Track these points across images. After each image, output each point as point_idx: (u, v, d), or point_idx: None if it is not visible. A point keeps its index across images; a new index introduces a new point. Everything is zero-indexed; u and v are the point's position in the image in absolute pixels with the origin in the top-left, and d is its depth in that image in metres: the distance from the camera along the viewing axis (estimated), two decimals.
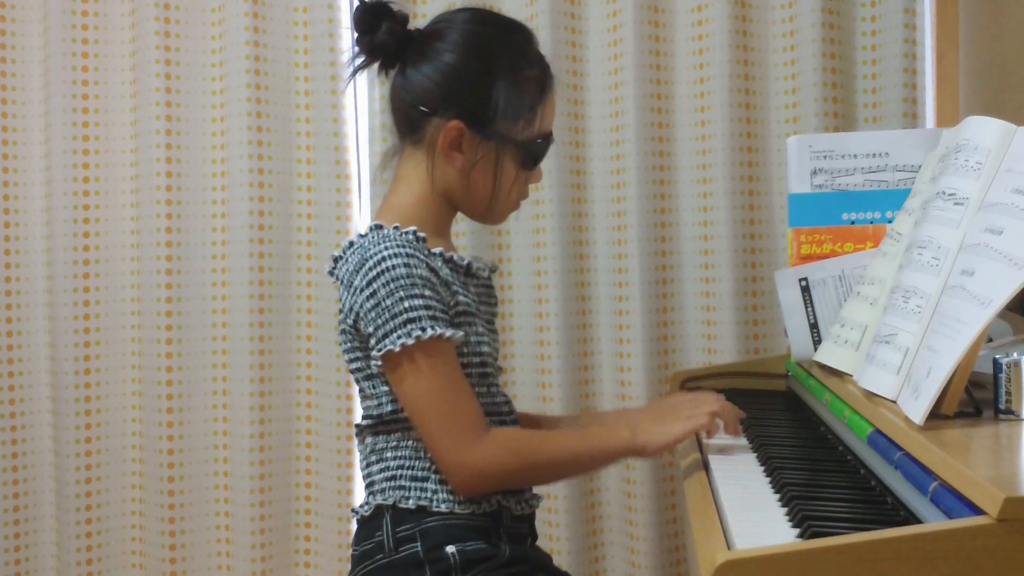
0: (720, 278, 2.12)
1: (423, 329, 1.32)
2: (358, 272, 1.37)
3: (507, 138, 1.43)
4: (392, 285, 1.34)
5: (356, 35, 1.47)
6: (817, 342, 1.55)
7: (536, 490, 1.50)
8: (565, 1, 2.19)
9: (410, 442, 1.40)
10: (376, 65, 1.49)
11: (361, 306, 1.36)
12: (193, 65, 2.35)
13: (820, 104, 2.05)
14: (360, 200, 2.31)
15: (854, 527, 0.96)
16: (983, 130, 1.18)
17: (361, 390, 1.45)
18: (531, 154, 1.46)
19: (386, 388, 1.39)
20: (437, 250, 1.41)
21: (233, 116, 2.30)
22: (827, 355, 1.41)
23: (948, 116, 2.08)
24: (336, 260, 1.44)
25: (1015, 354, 1.11)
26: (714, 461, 1.31)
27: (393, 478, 1.40)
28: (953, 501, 0.89)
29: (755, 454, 1.35)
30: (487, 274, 1.52)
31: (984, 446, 1.03)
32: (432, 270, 1.37)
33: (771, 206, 2.14)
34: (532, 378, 2.22)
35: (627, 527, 2.20)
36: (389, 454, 1.42)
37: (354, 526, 1.47)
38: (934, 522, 0.91)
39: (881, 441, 1.13)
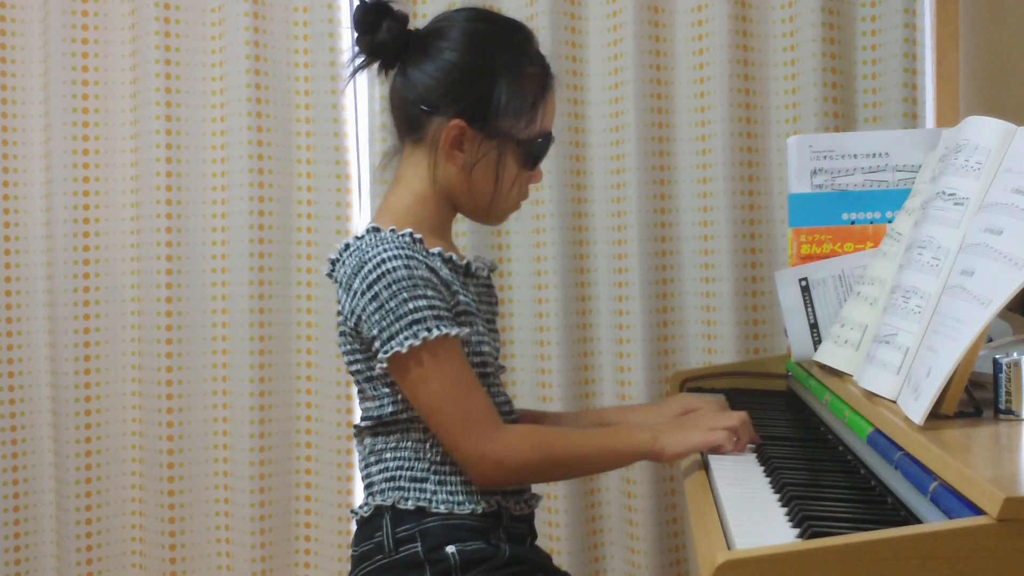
0: (720, 278, 2.12)
1: (428, 330, 1.32)
2: (357, 275, 1.36)
3: (509, 136, 1.43)
4: (395, 287, 1.33)
5: (356, 35, 1.47)
6: (817, 342, 1.55)
7: (536, 490, 1.50)
8: (565, 1, 2.19)
9: (409, 443, 1.40)
10: (376, 65, 1.49)
11: (364, 309, 1.36)
12: (193, 65, 2.35)
13: (820, 104, 2.05)
14: (360, 200, 2.31)
15: (854, 527, 0.96)
16: (983, 130, 1.18)
17: (361, 391, 1.45)
18: (532, 153, 1.46)
19: (387, 390, 1.39)
20: (436, 250, 1.41)
21: (233, 116, 2.30)
22: (827, 355, 1.41)
23: (948, 116, 2.08)
24: (333, 263, 1.44)
25: (1015, 354, 1.11)
26: (714, 461, 1.31)
27: (392, 479, 1.40)
28: (953, 501, 0.89)
29: (755, 454, 1.35)
30: (486, 273, 1.52)
31: (984, 446, 1.03)
32: (432, 270, 1.37)
33: (771, 206, 2.14)
34: (532, 378, 2.22)
35: (627, 527, 2.20)
36: (388, 455, 1.42)
37: (354, 526, 1.47)
38: (934, 522, 0.91)
39: (881, 441, 1.13)
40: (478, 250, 2.19)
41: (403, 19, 1.47)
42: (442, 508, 1.37)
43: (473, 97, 1.42)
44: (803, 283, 1.57)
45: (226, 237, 2.33)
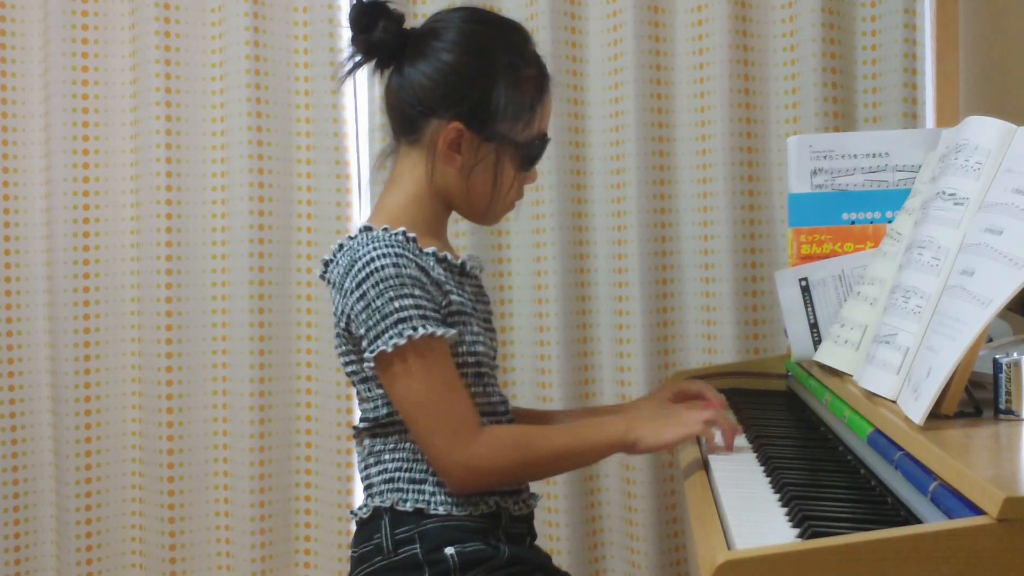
0: (720, 278, 2.12)
1: (414, 328, 1.32)
2: (347, 274, 1.36)
3: (507, 139, 1.43)
4: (382, 286, 1.33)
5: (352, 34, 1.47)
6: (817, 342, 1.55)
7: (535, 489, 1.50)
8: (565, 1, 2.19)
9: (407, 444, 1.40)
10: (373, 64, 1.48)
11: (352, 308, 1.36)
12: (193, 65, 2.34)
13: (820, 104, 2.05)
14: (360, 200, 2.31)
15: (854, 527, 0.96)
16: (983, 130, 1.18)
17: (358, 393, 1.45)
18: (529, 155, 1.46)
19: (381, 391, 1.39)
20: (430, 250, 1.40)
21: (233, 116, 2.30)
22: (827, 355, 1.41)
23: (948, 116, 2.08)
24: (327, 264, 1.44)
25: (1015, 354, 1.11)
26: (714, 461, 1.31)
27: (391, 480, 1.40)
28: (953, 501, 0.89)
29: (755, 454, 1.35)
30: (480, 273, 1.52)
31: (984, 446, 1.03)
32: (422, 270, 1.37)
33: (771, 206, 2.14)
34: (532, 378, 2.22)
35: (627, 527, 2.20)
36: (387, 456, 1.41)
37: (354, 527, 1.46)
38: (934, 522, 0.91)
39: (881, 441, 1.13)
40: (478, 250, 2.19)
41: (399, 19, 1.46)
42: (441, 509, 1.37)
43: (471, 100, 1.42)
44: (803, 283, 1.57)
45: (226, 237, 2.33)
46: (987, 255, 1.07)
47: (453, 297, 1.40)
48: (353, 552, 1.44)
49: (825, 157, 1.64)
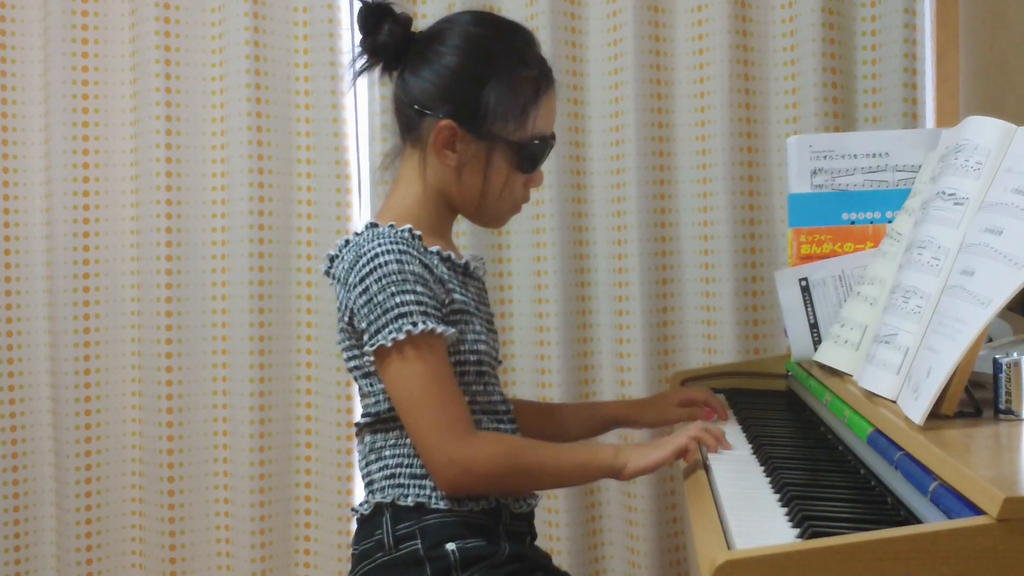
0: (720, 278, 2.12)
1: (414, 324, 1.33)
2: (352, 269, 1.37)
3: (499, 138, 1.44)
4: (384, 281, 1.34)
5: (360, 36, 1.47)
6: (817, 342, 1.55)
7: None
8: (565, 1, 2.19)
9: (408, 440, 1.40)
10: (379, 67, 1.49)
11: (354, 302, 1.37)
12: (193, 65, 2.34)
13: (820, 104, 2.05)
14: (360, 200, 2.31)
15: (854, 527, 0.96)
16: (983, 130, 1.18)
17: (360, 388, 1.46)
18: (527, 155, 1.46)
19: (382, 386, 1.39)
20: (434, 248, 1.41)
21: (233, 116, 2.30)
22: (827, 355, 1.41)
23: (948, 116, 2.08)
24: (332, 259, 1.45)
25: (1015, 354, 1.11)
26: (714, 461, 1.31)
27: (392, 476, 1.40)
28: (953, 501, 0.89)
29: (755, 454, 1.35)
30: (483, 275, 1.53)
31: (984, 446, 1.03)
32: (426, 267, 1.37)
33: (771, 206, 2.14)
34: (532, 378, 2.22)
35: (627, 527, 2.20)
36: (388, 452, 1.42)
37: (354, 525, 1.47)
38: (934, 522, 0.91)
39: (881, 441, 1.13)
40: (478, 250, 2.19)
41: (405, 22, 1.47)
42: (442, 504, 1.37)
43: (463, 98, 1.42)
44: (803, 283, 1.57)
45: (226, 237, 2.33)
46: (987, 255, 1.07)
47: (456, 296, 1.40)
48: (354, 549, 1.44)
49: (825, 157, 1.64)
